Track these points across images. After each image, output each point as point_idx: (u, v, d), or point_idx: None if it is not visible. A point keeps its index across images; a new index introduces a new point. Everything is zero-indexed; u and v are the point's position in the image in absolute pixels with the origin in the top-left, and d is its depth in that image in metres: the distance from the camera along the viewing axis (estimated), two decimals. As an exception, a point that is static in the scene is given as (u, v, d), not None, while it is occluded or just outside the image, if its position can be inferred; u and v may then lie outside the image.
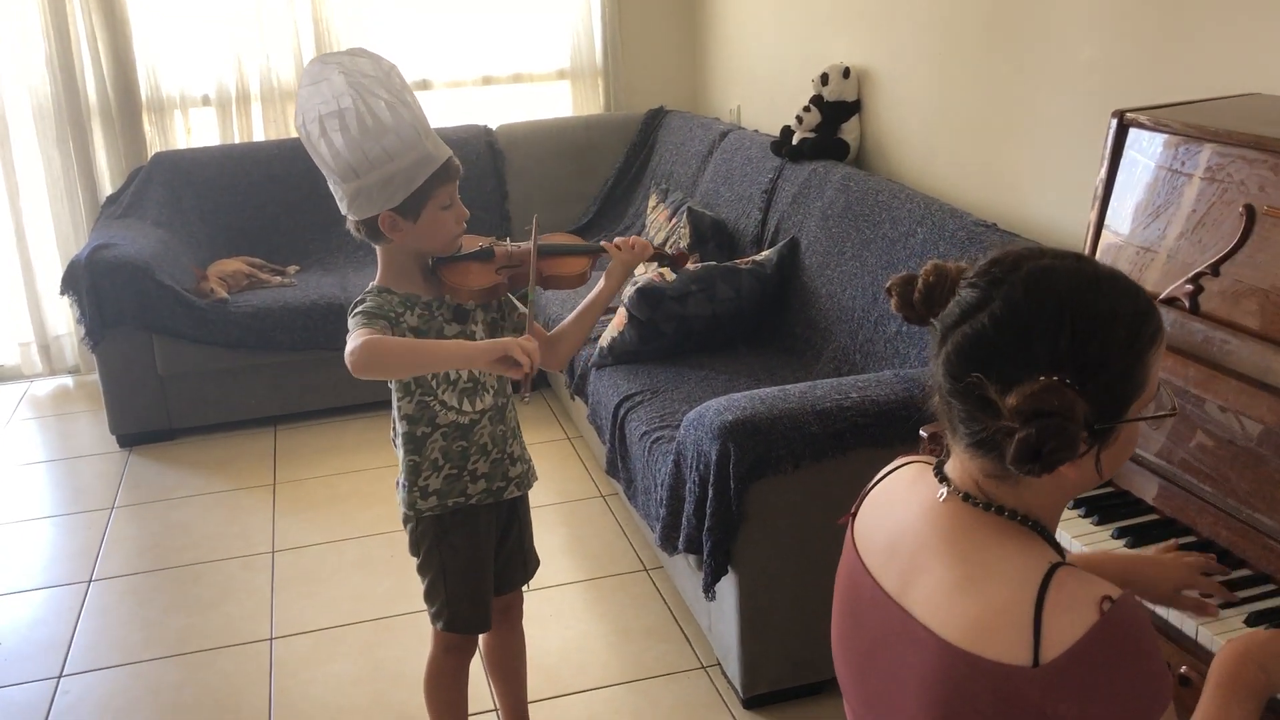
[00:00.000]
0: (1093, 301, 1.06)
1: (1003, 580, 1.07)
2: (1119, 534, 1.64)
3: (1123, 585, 1.32)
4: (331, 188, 1.93)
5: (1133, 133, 1.89)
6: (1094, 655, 1.00)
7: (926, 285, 1.15)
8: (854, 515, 1.29)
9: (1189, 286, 1.71)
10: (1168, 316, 1.72)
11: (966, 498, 1.13)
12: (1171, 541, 1.54)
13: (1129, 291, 1.09)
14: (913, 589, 1.14)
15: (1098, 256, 1.90)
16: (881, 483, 1.27)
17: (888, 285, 1.20)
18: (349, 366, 1.81)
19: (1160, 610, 1.48)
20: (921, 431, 1.90)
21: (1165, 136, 1.83)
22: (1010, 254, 1.12)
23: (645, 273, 3.38)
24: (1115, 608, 1.01)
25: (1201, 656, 1.41)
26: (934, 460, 1.22)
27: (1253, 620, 1.42)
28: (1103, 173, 1.93)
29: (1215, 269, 1.69)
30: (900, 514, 1.20)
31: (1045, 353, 1.04)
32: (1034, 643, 1.02)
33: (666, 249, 2.20)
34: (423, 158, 1.88)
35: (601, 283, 2.07)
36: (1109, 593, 1.02)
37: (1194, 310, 1.70)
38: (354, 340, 1.81)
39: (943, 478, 1.17)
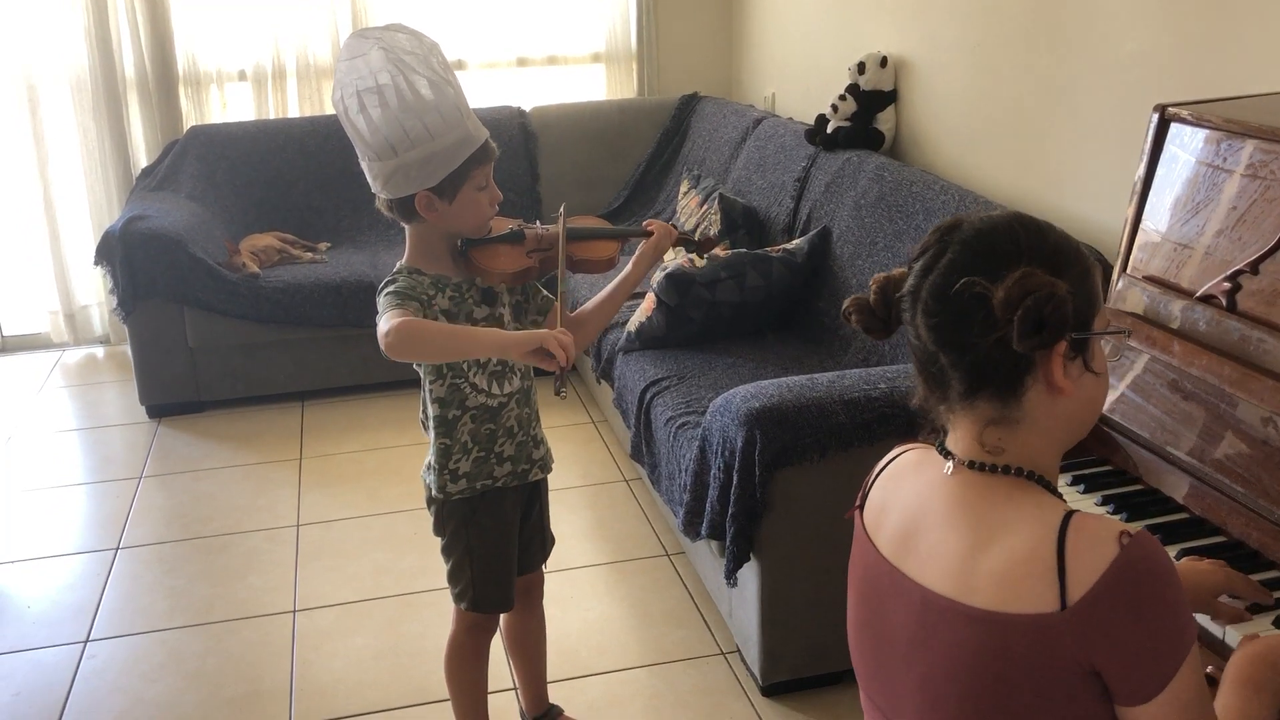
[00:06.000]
0: (1037, 226, 1.14)
1: (1021, 532, 1.09)
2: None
3: None
4: (364, 165, 1.91)
5: (1174, 127, 1.87)
6: (1119, 589, 1.03)
7: (879, 286, 1.22)
8: (860, 508, 1.30)
9: (1226, 284, 1.69)
10: (1203, 314, 1.70)
11: (972, 465, 1.15)
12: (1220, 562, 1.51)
13: (1059, 227, 1.18)
14: (932, 566, 1.15)
15: (1134, 252, 1.89)
16: (885, 471, 1.29)
17: (843, 310, 1.27)
18: (382, 347, 1.80)
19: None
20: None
21: (1207, 132, 1.80)
22: (947, 219, 1.20)
23: (674, 258, 3.37)
24: (1133, 542, 1.04)
25: (1227, 657, 1.39)
26: (933, 443, 1.24)
27: (1282, 623, 1.41)
28: (1142, 168, 1.91)
29: (1254, 267, 1.66)
30: (910, 496, 1.22)
31: (1014, 258, 1.10)
32: (1060, 585, 1.04)
33: (692, 234, 2.18)
34: (464, 137, 1.87)
35: (629, 268, 2.06)
36: (1126, 529, 1.05)
37: (1231, 309, 1.68)
38: (387, 322, 1.79)
39: (946, 454, 1.19)
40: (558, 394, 1.80)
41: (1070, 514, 1.08)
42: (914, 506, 1.20)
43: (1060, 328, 1.07)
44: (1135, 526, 1.06)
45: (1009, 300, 1.06)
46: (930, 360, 1.15)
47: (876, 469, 1.31)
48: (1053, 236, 1.14)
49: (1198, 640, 1.39)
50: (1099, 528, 1.06)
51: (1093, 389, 1.16)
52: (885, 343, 2.94)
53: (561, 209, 2.11)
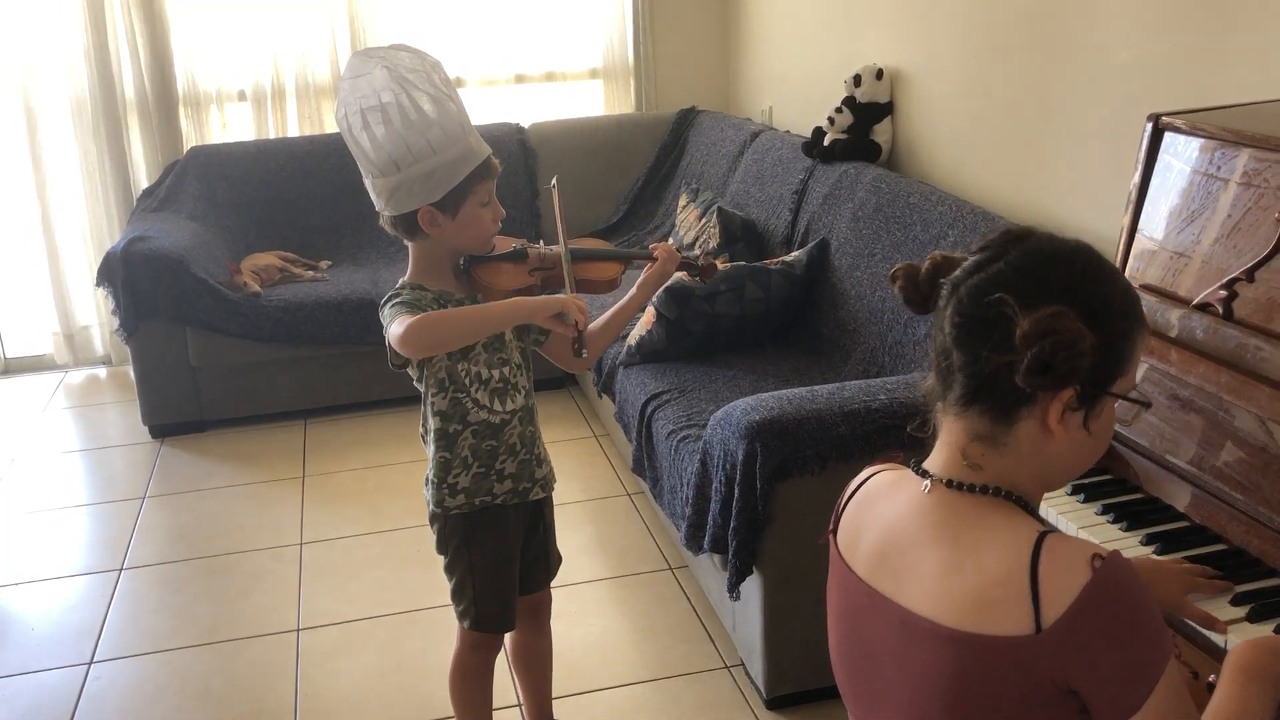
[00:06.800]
0: (1097, 269, 1.13)
1: (995, 553, 1.09)
2: (1148, 540, 1.63)
3: None
4: (368, 183, 1.93)
5: (1168, 137, 1.88)
6: (1092, 612, 1.03)
7: (934, 263, 1.21)
8: (834, 532, 1.30)
9: (1223, 292, 1.70)
10: (1200, 322, 1.71)
11: (950, 484, 1.15)
12: (1177, 557, 1.54)
13: (1124, 277, 1.16)
14: (910, 585, 1.15)
15: (1130, 261, 1.89)
16: (857, 494, 1.29)
17: (891, 272, 1.25)
18: (402, 345, 1.82)
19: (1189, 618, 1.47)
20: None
21: (1201, 141, 1.81)
22: (1018, 226, 1.19)
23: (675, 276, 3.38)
24: (1105, 565, 1.05)
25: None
26: (905, 463, 1.24)
27: (1283, 630, 1.41)
28: (1137, 177, 1.91)
29: (1250, 275, 1.67)
30: (886, 517, 1.22)
31: (1057, 294, 1.09)
32: (1034, 609, 1.05)
33: (696, 259, 2.20)
34: (466, 152, 1.89)
35: (633, 292, 2.09)
36: (1098, 551, 1.06)
37: (1227, 316, 1.69)
38: (401, 324, 1.82)
39: (923, 474, 1.19)
40: (578, 356, 1.95)
41: (1043, 535, 1.08)
42: (890, 527, 1.20)
43: (1067, 377, 1.07)
44: (1107, 548, 1.06)
45: (1029, 334, 1.06)
46: (944, 354, 1.16)
47: (847, 492, 1.31)
48: (1109, 286, 1.12)
49: (1197, 647, 1.40)
50: (1071, 551, 1.06)
51: (1083, 445, 1.15)
52: (885, 355, 2.94)
53: (554, 181, 2.13)
